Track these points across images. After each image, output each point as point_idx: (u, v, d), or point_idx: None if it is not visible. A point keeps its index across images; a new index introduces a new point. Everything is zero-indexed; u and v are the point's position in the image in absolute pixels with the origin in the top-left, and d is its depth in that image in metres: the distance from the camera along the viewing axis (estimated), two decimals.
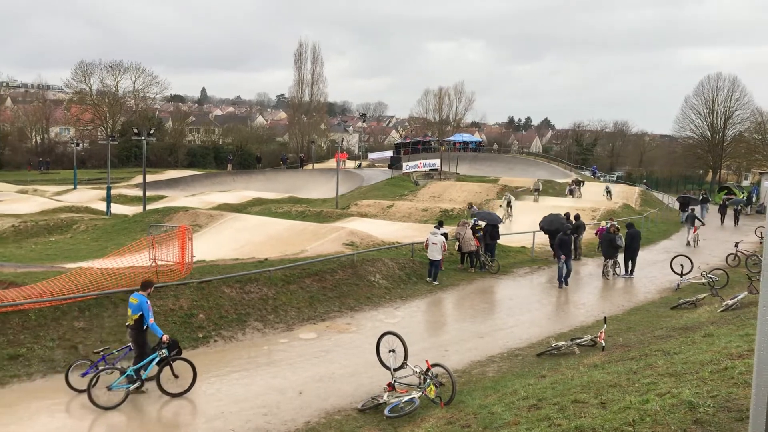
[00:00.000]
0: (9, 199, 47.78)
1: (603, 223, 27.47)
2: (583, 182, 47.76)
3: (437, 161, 57.91)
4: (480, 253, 22.21)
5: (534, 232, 25.32)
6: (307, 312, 16.47)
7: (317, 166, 71.09)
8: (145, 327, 11.38)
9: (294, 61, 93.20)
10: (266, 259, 19.03)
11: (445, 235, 21.83)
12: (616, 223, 24.31)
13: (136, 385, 11.17)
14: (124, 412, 10.71)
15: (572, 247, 21.24)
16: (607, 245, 22.37)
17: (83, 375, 11.51)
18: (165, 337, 11.45)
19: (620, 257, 22.74)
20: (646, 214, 37.32)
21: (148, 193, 42.67)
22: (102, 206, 41.77)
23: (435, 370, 10.68)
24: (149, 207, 38.48)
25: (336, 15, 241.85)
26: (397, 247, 22.13)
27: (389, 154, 71.28)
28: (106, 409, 10.63)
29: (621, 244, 22.39)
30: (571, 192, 44.77)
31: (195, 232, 20.95)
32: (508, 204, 36.20)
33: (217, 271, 16.85)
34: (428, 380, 10.47)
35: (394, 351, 11.34)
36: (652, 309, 18.02)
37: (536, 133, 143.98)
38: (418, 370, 10.74)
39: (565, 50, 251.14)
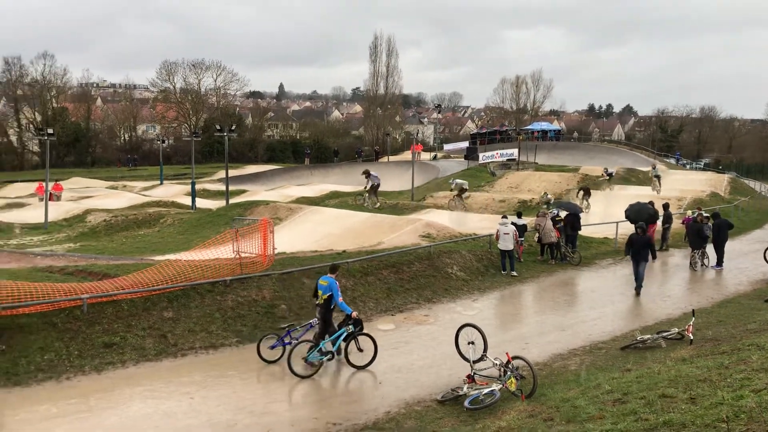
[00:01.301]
0: (101, 194, 50.17)
1: (689, 212, 26.38)
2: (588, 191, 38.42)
3: (515, 151, 56.94)
4: (561, 245, 21.76)
5: (618, 222, 24.60)
6: (384, 303, 16.59)
7: (392, 158, 71.15)
8: (333, 305, 12.45)
9: (369, 54, 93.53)
10: (344, 251, 19.28)
11: (524, 226, 21.52)
12: (703, 211, 23.30)
13: (328, 357, 12.26)
14: (317, 381, 11.83)
15: (648, 246, 18.22)
16: (694, 235, 21.49)
17: (272, 348, 12.73)
18: (354, 314, 12.51)
19: (710, 248, 21.78)
20: (736, 202, 35.60)
21: (230, 188, 43.88)
22: (187, 201, 43.21)
23: (515, 362, 10.56)
24: (231, 201, 39.58)
25: (411, 6, 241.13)
26: (474, 239, 21.96)
27: (465, 144, 70.63)
28: (303, 377, 11.82)
29: (709, 234, 21.44)
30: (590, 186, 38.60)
31: (275, 224, 21.41)
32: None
33: (298, 263, 17.20)
34: (509, 373, 10.36)
35: (473, 343, 11.28)
36: (744, 302, 17.21)
37: (618, 120, 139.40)
38: (498, 362, 10.64)
39: (650, 34, 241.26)
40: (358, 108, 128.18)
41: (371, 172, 30.52)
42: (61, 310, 12.93)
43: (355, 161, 73.17)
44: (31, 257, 18.85)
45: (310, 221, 27.96)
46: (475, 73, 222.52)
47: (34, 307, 12.66)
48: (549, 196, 36.62)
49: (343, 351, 12.46)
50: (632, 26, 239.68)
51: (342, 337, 12.45)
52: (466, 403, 10.17)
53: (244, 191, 50.95)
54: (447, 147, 76.93)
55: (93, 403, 10.90)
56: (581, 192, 36.32)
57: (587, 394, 9.11)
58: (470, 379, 10.75)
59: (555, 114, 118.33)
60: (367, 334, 12.70)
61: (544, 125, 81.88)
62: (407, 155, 63.99)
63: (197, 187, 46.07)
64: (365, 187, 31.95)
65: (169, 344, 13.12)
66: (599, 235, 25.28)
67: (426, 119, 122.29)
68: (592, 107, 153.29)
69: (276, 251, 17.34)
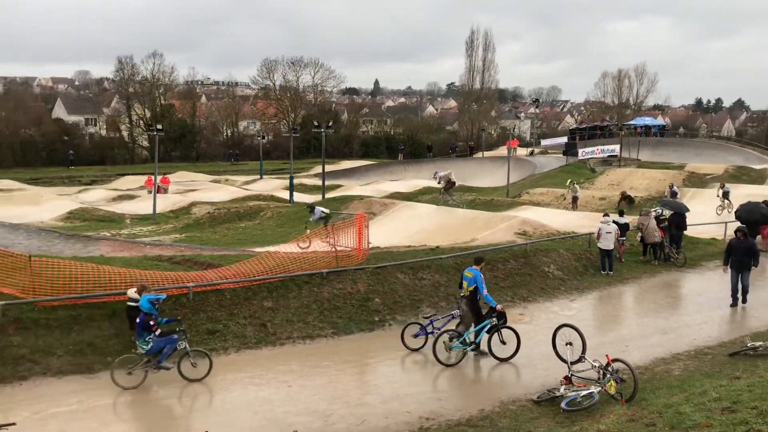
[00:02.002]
0: (205, 188, 52.34)
1: None
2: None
3: (616, 147, 55.04)
4: (665, 245, 20.84)
5: (726, 222, 23.32)
6: None
7: (487, 154, 70.41)
8: (478, 297, 12.73)
9: (465, 48, 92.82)
10: (438, 247, 19.24)
11: (626, 224, 20.78)
12: None
13: (471, 347, 12.55)
14: (457, 370, 12.15)
15: (750, 254, 16.21)
16: None
17: (415, 336, 13.15)
18: (498, 307, 12.66)
19: None
20: None
21: (326, 183, 44.74)
22: (285, 195, 44.38)
23: (615, 365, 10.23)
24: (327, 196, 40.34)
25: None
26: (572, 238, 21.39)
27: (563, 140, 68.88)
28: (447, 365, 12.19)
29: None
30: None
31: (369, 219, 21.64)
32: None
33: (391, 258, 17.32)
34: (608, 375, 10.05)
35: (571, 344, 11.03)
36: None
37: (728, 115, 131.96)
38: (597, 364, 10.34)
39: (765, 22, 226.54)
40: (452, 103, 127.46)
41: (316, 207, 25.75)
42: (169, 297, 13.57)
43: (449, 157, 72.87)
44: (141, 246, 19.94)
45: (404, 216, 28.10)
46: (575, 66, 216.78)
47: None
48: (576, 185, 35.64)
49: (487, 343, 12.60)
50: (746, 14, 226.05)
51: (485, 329, 12.57)
52: (563, 405, 9.95)
53: (339, 186, 51.82)
54: (544, 142, 75.31)
55: (198, 388, 11.40)
56: (622, 201, 33.65)
57: (692, 400, 8.70)
58: (567, 380, 10.50)
59: (659, 109, 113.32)
60: (510, 327, 12.74)
61: (647, 120, 78.50)
62: (502, 151, 63.15)
63: (295, 181, 47.22)
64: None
65: (268, 333, 13.55)
66: (706, 235, 24.03)
67: (523, 114, 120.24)
68: (699, 102, 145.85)
69: (370, 245, 17.57)
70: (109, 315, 12.83)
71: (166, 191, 46.68)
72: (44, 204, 39.16)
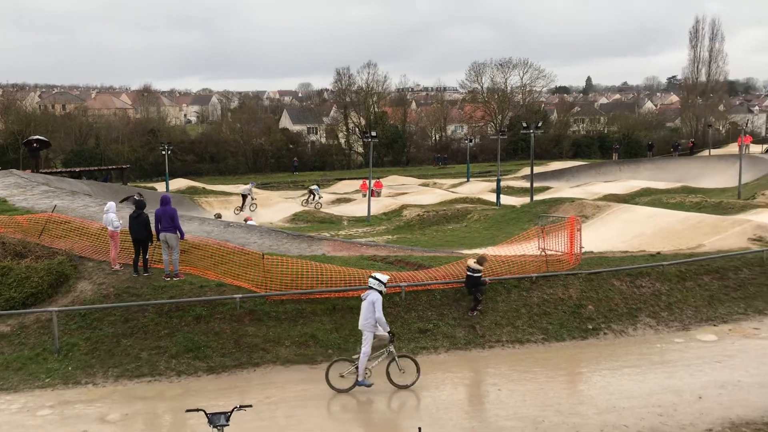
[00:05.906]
0: (414, 191, 53.87)
1: None
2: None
3: None
4: None
5: None
6: (705, 312, 15.17)
7: (714, 151, 64.57)
8: None
9: (689, 39, 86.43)
10: (658, 253, 18.05)
11: None
12: None
13: None
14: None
15: None
16: None
17: None
18: None
19: None
20: None
21: (534, 185, 43.93)
22: (492, 197, 44.25)
23: None
24: (535, 198, 39.57)
25: None
26: None
27: None
28: None
29: None
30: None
31: (581, 222, 20.86)
32: None
33: (606, 263, 16.57)
34: None
35: None
36: None
37: None
38: None
39: None
40: (674, 98, 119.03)
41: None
42: (383, 295, 14.16)
43: (670, 155, 67.92)
44: (358, 246, 20.97)
45: (619, 220, 26.68)
46: None
47: (361, 291, 14.08)
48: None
49: None
50: None
51: None
52: None
53: (547, 188, 50.56)
54: None
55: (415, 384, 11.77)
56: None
57: None
58: None
59: None
60: None
61: None
62: (732, 148, 57.62)
63: (502, 184, 46.92)
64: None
65: (477, 335, 13.62)
66: None
67: (757, 107, 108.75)
68: None
69: (583, 250, 16.92)
70: (329, 310, 13.73)
71: (379, 195, 48.75)
72: (274, 206, 42.86)
